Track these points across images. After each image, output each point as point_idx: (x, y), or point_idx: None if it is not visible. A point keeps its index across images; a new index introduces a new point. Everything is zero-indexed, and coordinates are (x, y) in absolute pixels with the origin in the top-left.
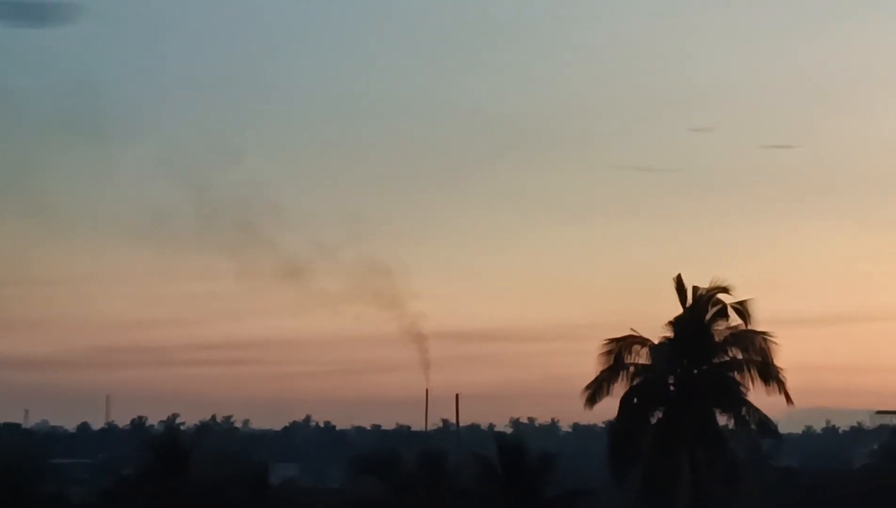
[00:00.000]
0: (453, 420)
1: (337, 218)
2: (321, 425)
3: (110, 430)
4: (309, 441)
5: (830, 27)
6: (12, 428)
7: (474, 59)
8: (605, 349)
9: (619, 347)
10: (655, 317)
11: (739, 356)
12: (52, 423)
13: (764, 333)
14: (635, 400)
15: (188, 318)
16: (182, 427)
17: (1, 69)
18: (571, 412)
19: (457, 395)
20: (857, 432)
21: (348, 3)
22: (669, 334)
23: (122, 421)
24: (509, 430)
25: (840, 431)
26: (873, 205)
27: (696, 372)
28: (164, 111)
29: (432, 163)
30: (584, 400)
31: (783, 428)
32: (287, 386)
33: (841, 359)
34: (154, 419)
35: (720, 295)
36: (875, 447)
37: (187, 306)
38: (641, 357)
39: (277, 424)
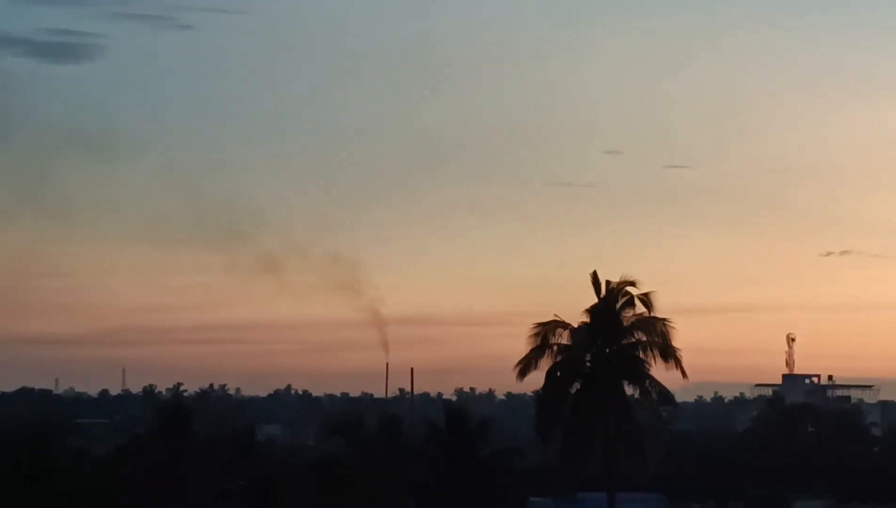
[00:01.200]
0: (408, 389)
1: (309, 221)
2: (300, 392)
3: (125, 396)
4: (289, 406)
5: (718, 65)
6: (45, 394)
7: (423, 89)
8: (534, 331)
9: (545, 330)
10: (575, 306)
11: (643, 338)
12: (77, 390)
13: (664, 320)
14: (558, 374)
15: (186, 305)
16: (185, 394)
17: (32, 98)
18: (505, 383)
19: (411, 369)
20: (740, 401)
21: (320, 43)
22: (586, 319)
23: (136, 388)
24: (454, 398)
25: (726, 401)
26: (750, 215)
27: (608, 351)
28: (163, 132)
29: (388, 176)
30: (516, 374)
31: (679, 398)
32: (271, 360)
33: (726, 342)
34: (162, 387)
35: (628, 288)
36: (754, 413)
37: (185, 295)
38: (563, 338)
39: (263, 391)
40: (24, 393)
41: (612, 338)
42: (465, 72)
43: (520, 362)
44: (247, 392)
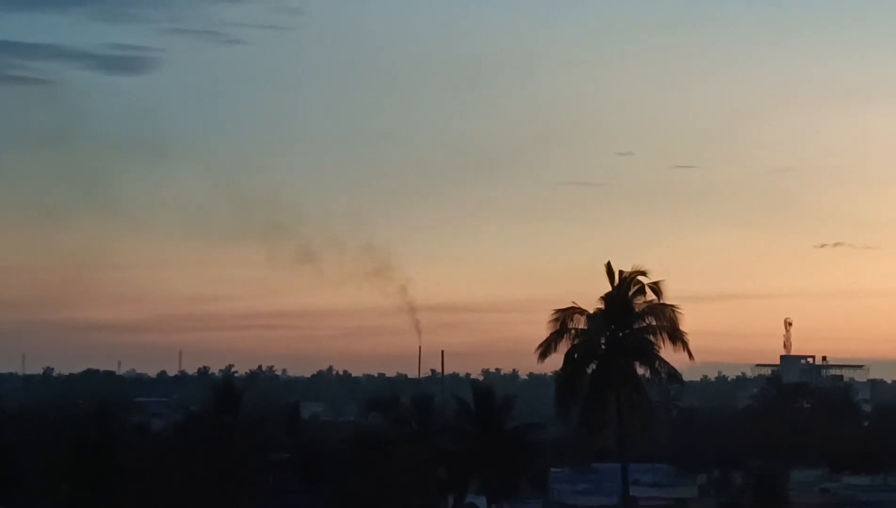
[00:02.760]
0: (439, 370)
1: (347, 218)
2: (340, 373)
3: (182, 377)
4: (330, 385)
5: (722, 75)
6: (108, 375)
7: (452, 99)
8: (553, 317)
9: (564, 316)
10: (591, 294)
11: (654, 323)
12: (137, 371)
13: (672, 306)
14: (575, 356)
15: (236, 294)
16: (236, 375)
17: (95, 106)
18: (528, 364)
19: (442, 352)
20: (741, 380)
21: (357, 57)
22: (601, 306)
23: (191, 369)
24: (481, 378)
25: (728, 379)
26: (751, 211)
27: (621, 334)
28: (213, 137)
29: (420, 176)
30: (537, 356)
31: (686, 378)
32: (313, 344)
33: (729, 326)
34: (215, 368)
35: (639, 277)
36: (754, 391)
37: (234, 285)
38: (580, 323)
39: (307, 372)
40: (90, 374)
41: (625, 323)
42: (491, 83)
43: (541, 345)
44: (292, 373)
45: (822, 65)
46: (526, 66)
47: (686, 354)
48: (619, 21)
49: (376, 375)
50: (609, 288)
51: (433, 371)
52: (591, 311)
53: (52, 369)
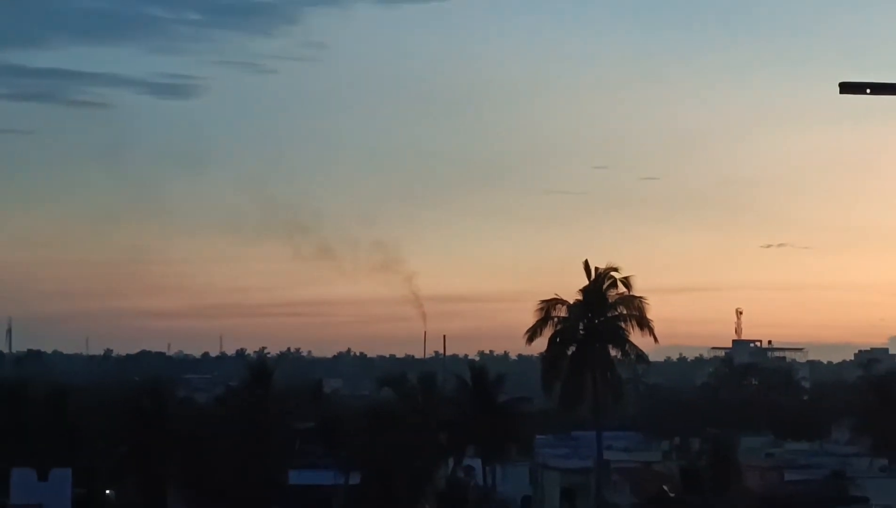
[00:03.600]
0: (442, 351)
1: (362, 221)
2: (357, 354)
3: (222, 357)
4: (348, 365)
5: (680, 99)
6: (159, 356)
7: (453, 117)
8: (539, 307)
9: (548, 306)
10: (571, 287)
11: (624, 312)
12: (184, 352)
13: (640, 297)
14: (558, 340)
15: (268, 285)
16: (268, 355)
17: (148, 126)
18: (517, 347)
19: (444, 336)
20: (699, 361)
21: (373, 84)
22: (580, 297)
23: (230, 351)
24: (477, 359)
25: (688, 360)
26: (707, 215)
27: (596, 322)
28: (249, 152)
29: (427, 185)
30: (526, 339)
31: (651, 359)
32: (334, 330)
33: (688, 314)
34: (250, 350)
35: (612, 273)
36: (710, 370)
37: (267, 277)
38: (562, 312)
39: (328, 353)
40: (144, 354)
41: (600, 312)
42: (487, 106)
43: (529, 330)
44: (315, 354)
45: (766, 92)
46: (517, 93)
47: (652, 338)
48: (598, 55)
49: (388, 356)
50: (586, 282)
51: (436, 352)
52: (571, 302)
53: (112, 350)
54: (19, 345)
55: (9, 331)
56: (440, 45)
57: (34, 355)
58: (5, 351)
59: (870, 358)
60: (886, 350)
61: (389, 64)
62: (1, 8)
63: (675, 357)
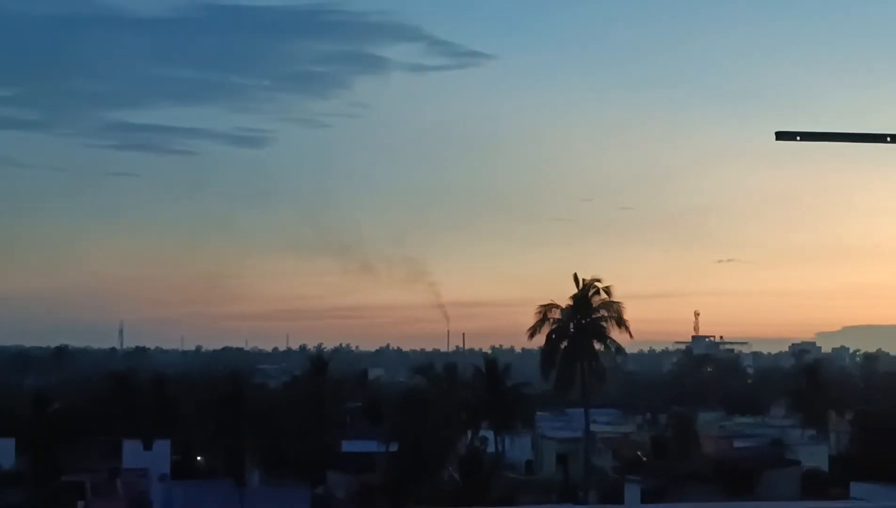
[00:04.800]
0: (462, 346)
1: (396, 243)
2: (395, 348)
3: (288, 351)
4: (388, 357)
5: (649, 143)
6: (238, 350)
7: (472, 158)
8: (539, 310)
9: (545, 309)
10: (564, 294)
11: (606, 314)
12: (258, 347)
13: (618, 302)
14: (553, 336)
15: (323, 293)
16: (325, 350)
17: (225, 169)
18: (521, 342)
19: (463, 334)
20: (665, 353)
21: (406, 134)
22: (570, 303)
23: (294, 346)
24: (490, 352)
25: (657, 352)
26: (671, 237)
27: (584, 322)
28: (306, 188)
29: (450, 213)
30: (528, 336)
31: (628, 351)
32: (377, 329)
33: (657, 316)
34: (310, 345)
35: (596, 283)
36: (674, 360)
37: (322, 287)
38: (556, 314)
39: (372, 348)
40: (227, 349)
41: (586, 314)
42: (496, 150)
43: (530, 329)
44: (362, 348)
45: (718, 139)
46: (521, 140)
47: (628, 335)
48: (585, 112)
49: (419, 350)
50: (575, 291)
51: (457, 347)
52: (564, 306)
53: (201, 346)
54: (129, 343)
55: (121, 332)
56: (458, 103)
57: (140, 351)
58: (118, 347)
59: (800, 350)
60: (814, 343)
61: (417, 118)
62: (115, 77)
63: (646, 349)
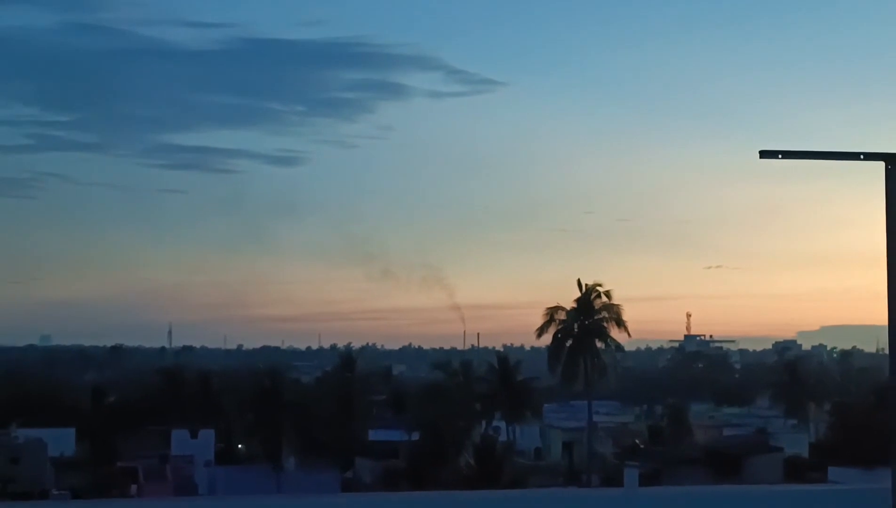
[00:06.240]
0: (477, 344)
1: (417, 251)
2: (416, 347)
3: (320, 350)
4: (410, 354)
5: (645, 158)
6: (276, 349)
7: (486, 177)
8: (546, 312)
9: (552, 311)
10: (568, 298)
11: (606, 315)
12: (293, 346)
13: (617, 305)
14: (559, 335)
15: (349, 298)
16: (352, 348)
17: (262, 187)
18: (530, 340)
19: (478, 333)
20: (660, 350)
21: (428, 154)
22: (575, 305)
23: (326, 345)
24: (502, 349)
25: (653, 349)
26: (666, 246)
27: (587, 322)
28: (335, 204)
29: (463, 225)
30: (536, 335)
31: (626, 349)
32: (401, 329)
33: (652, 317)
34: (340, 344)
35: (597, 288)
36: (668, 357)
37: (348, 292)
38: (562, 315)
39: (396, 346)
40: (265, 348)
41: (589, 315)
42: (509, 167)
43: (538, 328)
44: (387, 347)
45: (708, 155)
46: (531, 159)
47: (626, 334)
48: (589, 134)
49: (438, 348)
50: (579, 294)
51: (473, 345)
52: (569, 308)
53: (242, 345)
54: (177, 342)
55: (169, 332)
56: (473, 126)
57: (187, 349)
58: (167, 346)
59: (783, 347)
60: (795, 341)
61: (436, 140)
62: (165, 104)
63: (643, 347)
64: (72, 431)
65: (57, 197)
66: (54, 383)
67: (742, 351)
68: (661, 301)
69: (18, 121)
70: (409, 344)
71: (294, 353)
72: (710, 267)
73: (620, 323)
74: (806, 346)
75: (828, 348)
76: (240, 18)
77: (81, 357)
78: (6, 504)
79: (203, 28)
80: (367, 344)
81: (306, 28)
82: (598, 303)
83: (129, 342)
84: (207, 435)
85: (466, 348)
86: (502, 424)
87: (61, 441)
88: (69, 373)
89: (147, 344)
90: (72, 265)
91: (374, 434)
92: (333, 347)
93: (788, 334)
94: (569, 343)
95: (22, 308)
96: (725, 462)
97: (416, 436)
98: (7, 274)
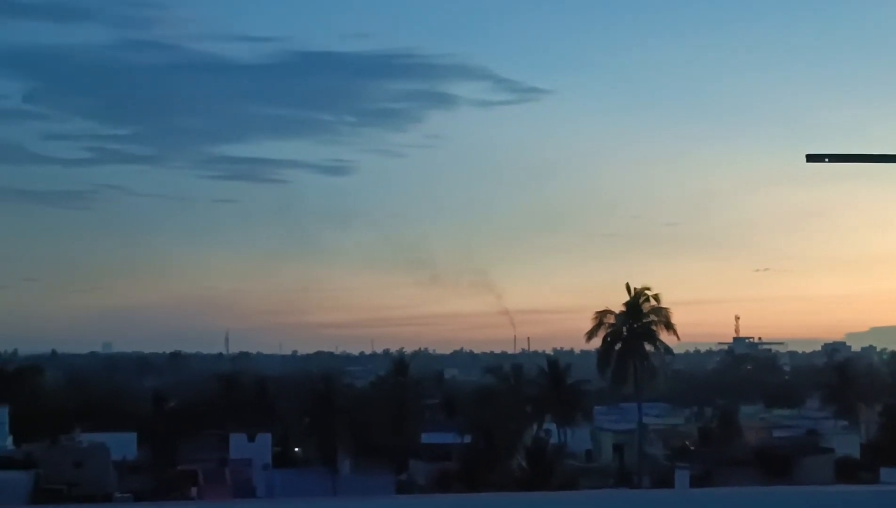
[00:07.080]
0: (528, 348)
1: (467, 257)
2: (468, 351)
3: (373, 355)
4: (462, 358)
5: (693, 163)
6: (330, 354)
7: (532, 186)
8: (595, 316)
9: (601, 315)
10: (617, 302)
11: (655, 319)
12: (347, 351)
13: (666, 308)
14: (608, 339)
15: (400, 304)
16: (405, 353)
17: (314, 197)
18: (580, 344)
19: (528, 337)
20: (710, 353)
21: (475, 161)
22: (624, 309)
23: (379, 350)
24: (552, 353)
25: (702, 352)
26: (715, 249)
27: (636, 326)
28: (386, 213)
29: (512, 231)
30: (586, 339)
31: (675, 351)
32: (452, 334)
33: (702, 320)
34: (393, 349)
35: (646, 291)
36: (717, 359)
37: (399, 298)
38: (611, 319)
39: (448, 351)
40: (319, 353)
41: (638, 319)
42: (556, 174)
43: (588, 332)
44: (438, 351)
45: (756, 160)
46: (578, 165)
47: (675, 337)
48: (634, 140)
49: (489, 352)
50: (628, 298)
51: (523, 349)
52: (618, 312)
53: (297, 351)
54: (234, 349)
55: (226, 339)
56: (520, 134)
57: (244, 355)
58: (224, 353)
59: (832, 349)
60: (844, 342)
61: (484, 148)
62: (219, 116)
63: (692, 350)
64: (133, 436)
65: (115, 208)
66: (116, 389)
67: (791, 353)
68: (710, 304)
69: (78, 135)
70: (461, 349)
71: (348, 359)
72: (759, 270)
73: (669, 327)
74: (855, 348)
75: (877, 349)
76: (290, 32)
77: (142, 363)
78: (71, 507)
79: (255, 42)
80: (420, 349)
81: (355, 41)
82: (646, 307)
83: (188, 348)
84: (264, 439)
85: (517, 352)
86: (553, 427)
87: (123, 445)
88: (130, 379)
89: (205, 351)
90: (131, 274)
91: (427, 438)
92: (386, 352)
93: (837, 336)
94: (618, 346)
95: (84, 316)
96: (776, 464)
97: (468, 439)
98: (69, 284)
